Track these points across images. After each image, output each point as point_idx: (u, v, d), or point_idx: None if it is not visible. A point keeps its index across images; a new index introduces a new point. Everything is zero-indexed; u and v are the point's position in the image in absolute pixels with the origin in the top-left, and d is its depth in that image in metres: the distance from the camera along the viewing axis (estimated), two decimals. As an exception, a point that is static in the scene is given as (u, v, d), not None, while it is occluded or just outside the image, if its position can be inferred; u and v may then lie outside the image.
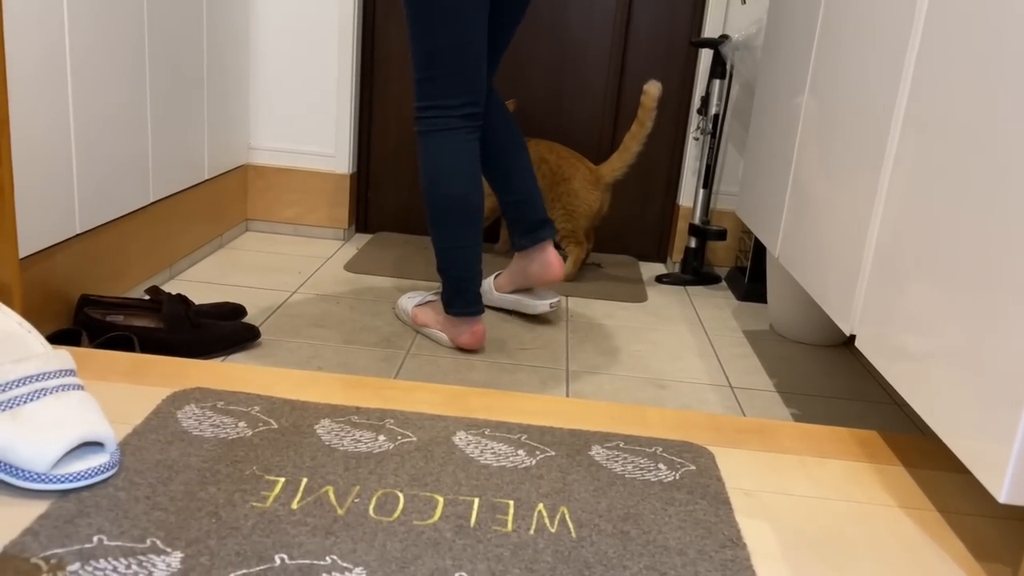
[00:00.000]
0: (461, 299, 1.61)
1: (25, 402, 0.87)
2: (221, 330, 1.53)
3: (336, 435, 1.03)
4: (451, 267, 1.60)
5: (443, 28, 1.48)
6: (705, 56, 2.20)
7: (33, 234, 1.38)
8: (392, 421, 1.08)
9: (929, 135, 0.99)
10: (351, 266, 2.11)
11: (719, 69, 2.14)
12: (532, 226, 1.74)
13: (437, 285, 2.00)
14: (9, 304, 1.03)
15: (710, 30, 2.19)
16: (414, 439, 1.04)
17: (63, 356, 0.94)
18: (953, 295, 0.90)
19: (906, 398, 0.99)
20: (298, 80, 2.27)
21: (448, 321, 1.64)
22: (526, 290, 1.85)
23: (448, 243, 1.58)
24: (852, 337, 1.16)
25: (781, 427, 1.17)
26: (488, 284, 1.88)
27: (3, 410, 0.86)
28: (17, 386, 0.88)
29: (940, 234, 0.94)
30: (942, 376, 0.90)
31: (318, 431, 1.04)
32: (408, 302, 1.75)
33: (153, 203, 1.78)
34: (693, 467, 1.03)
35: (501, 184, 1.75)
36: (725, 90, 2.16)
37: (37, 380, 0.89)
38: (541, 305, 1.82)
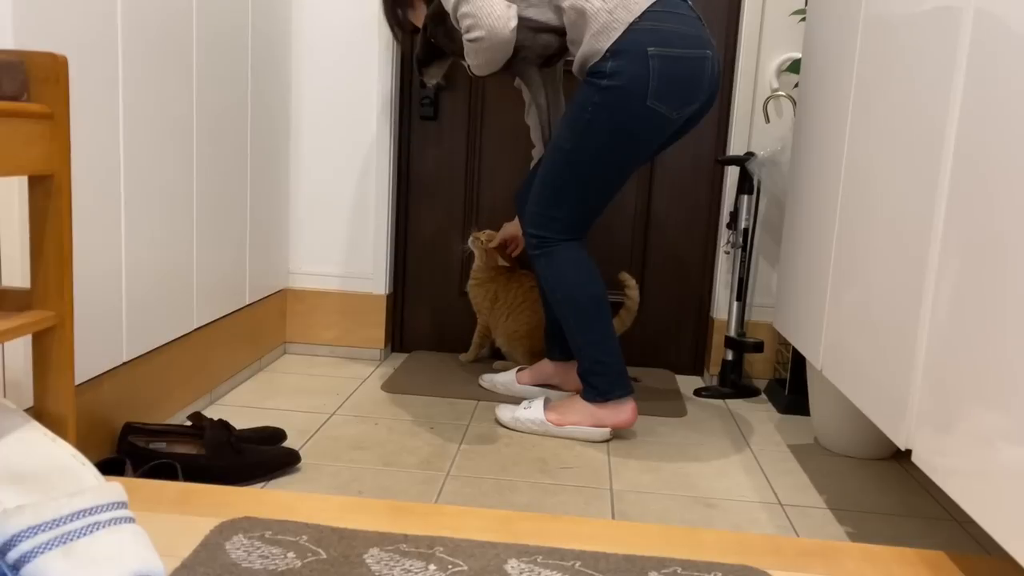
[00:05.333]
0: (620, 382, 1.77)
1: (78, 537, 0.86)
2: (262, 456, 1.52)
3: (386, 565, 1.01)
4: (607, 356, 1.77)
5: (608, 184, 1.75)
6: (732, 172, 2.25)
7: (83, 363, 1.40)
8: (442, 549, 1.05)
9: (970, 240, 1.00)
10: (388, 386, 2.11)
11: (746, 185, 2.18)
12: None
13: (472, 403, 1.99)
14: (63, 436, 1.04)
15: (735, 147, 2.24)
16: (465, 568, 1.01)
17: (115, 488, 0.94)
18: (1018, 404, 0.88)
19: (973, 516, 0.95)
20: (335, 205, 2.34)
21: (604, 409, 1.78)
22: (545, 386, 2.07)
23: (600, 336, 1.76)
24: (901, 450, 1.14)
25: (844, 548, 1.13)
26: (510, 377, 2.08)
27: (57, 545, 0.85)
28: (71, 520, 0.87)
29: (998, 340, 0.93)
30: (1015, 491, 0.87)
31: (367, 561, 1.01)
32: (530, 413, 1.81)
33: (196, 329, 1.81)
34: (755, 594, 0.99)
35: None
36: (753, 205, 2.20)
37: (90, 514, 0.89)
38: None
